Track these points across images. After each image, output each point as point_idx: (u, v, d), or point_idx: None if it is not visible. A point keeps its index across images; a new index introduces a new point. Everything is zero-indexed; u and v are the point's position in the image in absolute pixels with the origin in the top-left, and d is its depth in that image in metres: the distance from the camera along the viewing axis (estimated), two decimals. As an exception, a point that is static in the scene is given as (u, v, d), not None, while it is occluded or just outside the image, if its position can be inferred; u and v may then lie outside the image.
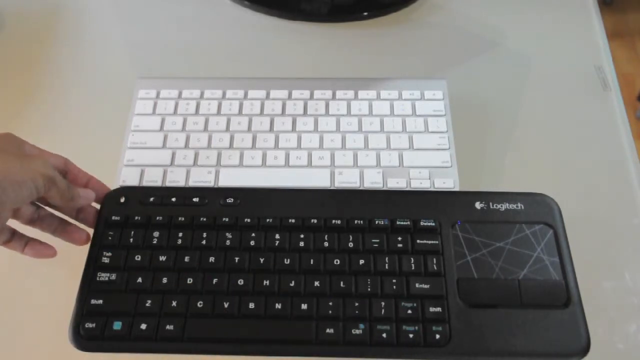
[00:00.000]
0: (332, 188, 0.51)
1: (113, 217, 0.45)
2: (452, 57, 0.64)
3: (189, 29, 0.67)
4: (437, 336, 0.40)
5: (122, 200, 0.46)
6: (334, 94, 0.57)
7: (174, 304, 0.41)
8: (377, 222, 0.44)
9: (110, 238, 0.44)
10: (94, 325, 0.40)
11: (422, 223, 0.44)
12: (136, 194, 0.46)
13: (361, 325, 0.40)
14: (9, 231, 0.43)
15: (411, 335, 0.40)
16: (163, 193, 0.46)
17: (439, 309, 0.41)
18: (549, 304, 0.42)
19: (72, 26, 0.68)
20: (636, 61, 1.78)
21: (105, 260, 0.43)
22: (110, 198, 0.46)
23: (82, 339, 0.40)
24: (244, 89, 0.58)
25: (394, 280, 0.42)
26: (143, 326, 0.40)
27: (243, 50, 0.65)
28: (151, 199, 0.46)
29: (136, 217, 0.44)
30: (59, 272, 0.47)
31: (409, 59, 0.64)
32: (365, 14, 0.68)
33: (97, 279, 0.42)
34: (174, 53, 0.64)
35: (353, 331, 0.40)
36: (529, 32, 0.66)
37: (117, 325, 0.40)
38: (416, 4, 0.69)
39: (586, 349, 0.40)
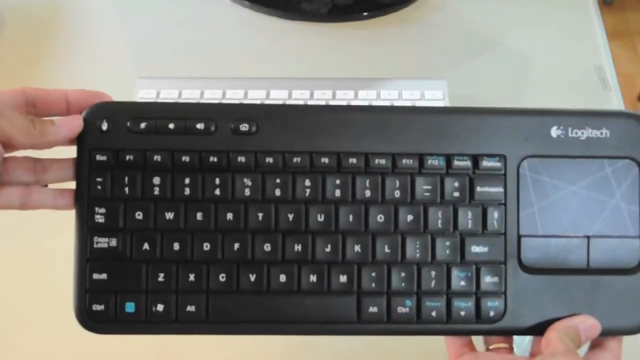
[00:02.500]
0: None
1: (98, 157, 0.35)
2: (452, 57, 0.64)
3: (189, 29, 0.67)
4: (492, 313, 0.35)
5: (105, 127, 0.35)
6: (334, 94, 0.57)
7: (192, 277, 0.35)
8: (429, 161, 0.36)
9: (100, 187, 0.35)
10: (103, 307, 0.34)
11: (484, 162, 0.35)
12: (122, 117, 0.35)
13: (408, 302, 0.35)
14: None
15: (463, 313, 0.35)
16: (156, 114, 0.36)
17: (496, 279, 0.35)
18: (618, 267, 0.36)
19: (72, 26, 0.68)
20: (636, 61, 1.78)
21: (100, 219, 0.35)
22: (87, 125, 0.35)
23: (92, 321, 0.35)
24: (244, 89, 0.58)
25: (447, 243, 0.35)
26: (160, 307, 0.35)
27: (243, 50, 0.65)
28: (142, 125, 0.35)
29: (127, 157, 0.35)
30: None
31: (409, 59, 0.64)
32: (365, 14, 0.68)
33: (95, 246, 0.35)
34: (174, 53, 0.64)
35: (399, 309, 0.35)
36: (529, 32, 0.66)
37: (130, 308, 0.35)
38: (416, 4, 0.69)
39: None
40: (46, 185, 0.36)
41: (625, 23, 1.88)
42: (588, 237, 0.36)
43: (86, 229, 0.35)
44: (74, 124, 0.34)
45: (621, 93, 0.61)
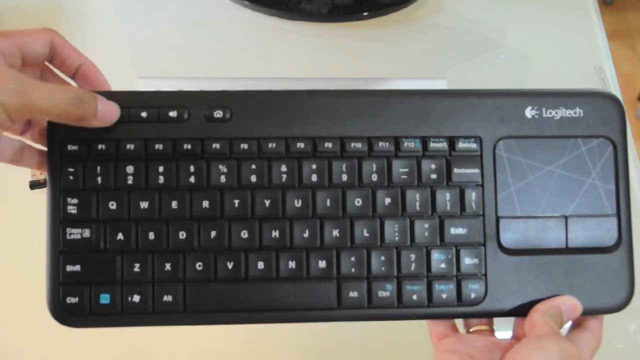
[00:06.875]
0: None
1: (69, 147, 0.34)
2: (452, 57, 0.64)
3: (189, 29, 0.67)
4: (473, 295, 0.35)
5: None
6: (334, 94, 0.57)
7: (168, 267, 0.34)
8: (405, 143, 0.35)
9: (72, 178, 0.34)
10: (77, 299, 0.34)
11: (460, 144, 0.35)
12: None
13: (388, 287, 0.35)
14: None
15: (444, 296, 0.35)
16: (128, 102, 0.35)
17: (476, 261, 0.35)
18: (596, 246, 0.36)
19: (72, 26, 0.68)
20: (636, 61, 1.78)
21: (72, 209, 0.34)
22: None
23: (66, 314, 0.34)
24: (244, 89, 0.58)
25: (426, 225, 0.35)
26: (136, 298, 0.34)
27: (243, 50, 0.65)
28: None
29: (99, 146, 0.34)
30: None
31: (409, 59, 0.64)
32: (365, 14, 0.68)
33: (68, 237, 0.34)
34: (174, 53, 0.64)
35: (379, 294, 0.35)
36: (529, 32, 0.66)
37: (105, 299, 0.34)
38: (416, 4, 0.69)
39: (626, 303, 0.36)
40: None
41: (625, 23, 1.87)
42: (566, 217, 0.36)
43: (58, 220, 0.34)
44: (111, 118, 0.34)
45: (621, 93, 0.61)
